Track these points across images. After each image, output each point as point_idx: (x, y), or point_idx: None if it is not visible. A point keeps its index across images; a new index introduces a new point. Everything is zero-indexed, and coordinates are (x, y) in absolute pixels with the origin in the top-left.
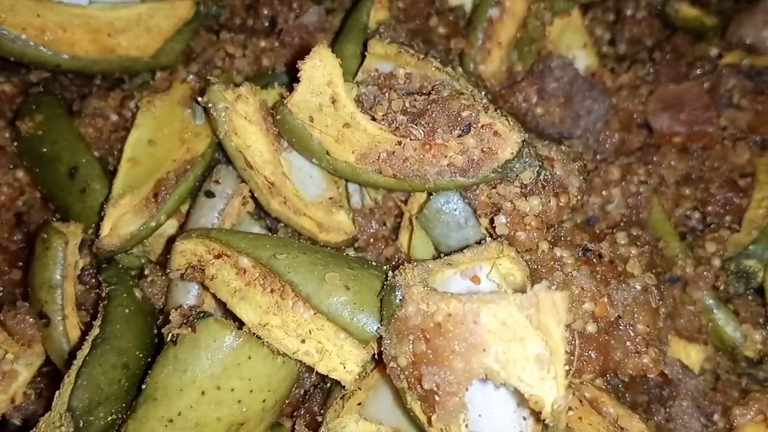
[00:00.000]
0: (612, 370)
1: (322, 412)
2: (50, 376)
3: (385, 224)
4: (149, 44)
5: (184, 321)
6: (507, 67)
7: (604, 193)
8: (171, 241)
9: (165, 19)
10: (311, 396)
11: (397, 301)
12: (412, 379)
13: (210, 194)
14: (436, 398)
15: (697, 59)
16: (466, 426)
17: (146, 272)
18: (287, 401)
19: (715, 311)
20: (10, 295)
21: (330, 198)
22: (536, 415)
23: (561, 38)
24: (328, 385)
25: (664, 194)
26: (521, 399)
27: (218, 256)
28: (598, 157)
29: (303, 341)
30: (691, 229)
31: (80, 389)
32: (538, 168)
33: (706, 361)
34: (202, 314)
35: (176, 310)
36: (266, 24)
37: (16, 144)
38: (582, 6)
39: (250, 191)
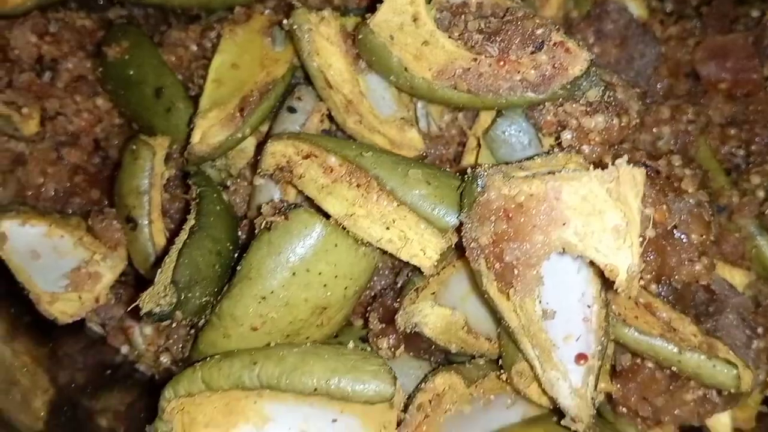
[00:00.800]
0: (667, 276)
1: (396, 303)
2: (128, 284)
3: (449, 149)
4: None
5: (277, 211)
6: (564, 14)
7: (654, 130)
8: (260, 146)
9: None
10: (383, 294)
11: (479, 188)
12: (492, 258)
13: (292, 110)
14: (515, 272)
15: (740, 17)
16: (540, 302)
17: (228, 183)
18: (360, 300)
19: (758, 238)
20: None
21: (402, 118)
22: (600, 301)
23: None
24: (399, 285)
25: (710, 134)
26: (588, 284)
27: (306, 157)
28: (648, 100)
29: (387, 228)
30: (736, 165)
31: (182, 266)
32: (603, 87)
33: (748, 287)
34: (293, 205)
35: (267, 203)
36: None
37: (100, 70)
38: None
39: (328, 110)
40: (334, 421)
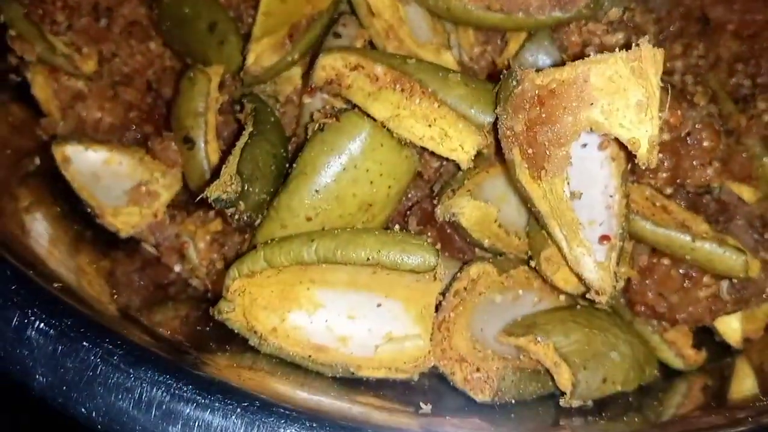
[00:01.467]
0: (681, 178)
1: (433, 207)
2: (181, 207)
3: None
4: None
5: (329, 114)
6: None
7: (668, 65)
8: (306, 75)
9: None
10: (421, 202)
11: (515, 82)
12: (525, 144)
13: (337, 35)
14: (546, 153)
15: None
16: (568, 183)
17: (277, 108)
18: (398, 208)
19: (765, 158)
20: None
21: (438, 42)
22: (621, 192)
23: None
24: (435, 193)
25: (719, 67)
26: (610, 178)
27: (354, 68)
28: (660, 37)
29: (429, 126)
30: (743, 96)
31: (245, 161)
32: (624, 8)
33: (756, 204)
34: (344, 109)
35: (319, 110)
36: None
37: (156, 12)
38: None
39: (369, 37)
40: (379, 305)
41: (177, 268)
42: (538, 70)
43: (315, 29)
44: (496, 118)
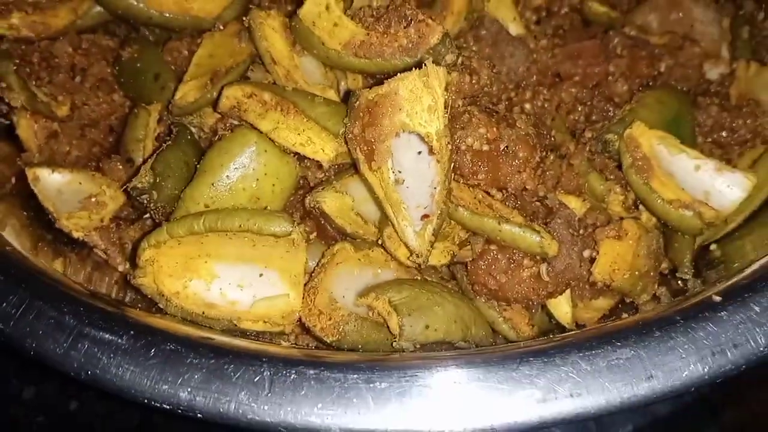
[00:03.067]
0: (503, 184)
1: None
2: (126, 219)
3: None
4: (213, 10)
5: (227, 128)
6: (459, 29)
7: (519, 107)
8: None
9: None
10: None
11: (354, 98)
12: (362, 143)
13: (247, 78)
14: (374, 147)
15: (595, 32)
16: (392, 171)
17: (201, 135)
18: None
19: (589, 174)
20: None
21: (324, 84)
22: (442, 185)
23: (496, 11)
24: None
25: (562, 108)
26: (435, 175)
27: (249, 96)
28: (521, 86)
29: (299, 134)
30: (580, 129)
31: (159, 162)
32: (457, 53)
33: (584, 213)
34: (238, 124)
35: (221, 125)
36: None
37: (117, 68)
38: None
39: (273, 80)
40: (261, 275)
41: (120, 268)
42: (370, 88)
43: (231, 74)
44: None
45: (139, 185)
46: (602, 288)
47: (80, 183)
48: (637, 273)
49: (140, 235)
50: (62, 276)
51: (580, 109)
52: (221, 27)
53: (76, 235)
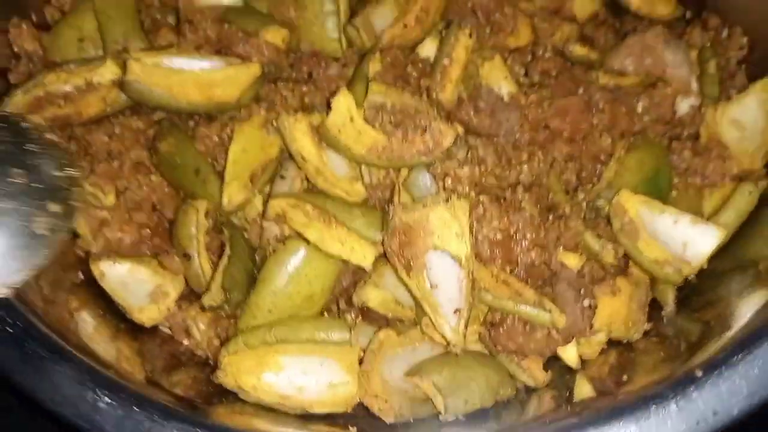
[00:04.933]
0: (515, 262)
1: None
2: (186, 298)
3: (385, 193)
4: (234, 93)
5: (278, 241)
6: (456, 96)
7: (518, 167)
8: (265, 202)
9: (244, 77)
10: (347, 288)
11: (390, 217)
12: (400, 256)
13: (282, 177)
14: (411, 263)
15: (583, 82)
16: (428, 280)
17: (246, 227)
18: (333, 292)
19: (585, 233)
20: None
21: (351, 176)
22: (468, 281)
23: (490, 74)
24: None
25: (555, 167)
26: (461, 272)
27: (293, 207)
28: (517, 147)
29: (342, 245)
30: (573, 188)
31: (227, 278)
32: (467, 150)
33: (580, 267)
34: (288, 236)
35: (272, 238)
36: (305, 76)
37: (155, 159)
38: (504, 53)
39: (305, 175)
40: (321, 364)
41: (185, 342)
42: (405, 209)
43: (267, 173)
44: None
45: (214, 304)
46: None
47: (140, 272)
48: (630, 322)
49: (196, 312)
50: (145, 384)
51: (570, 166)
52: (246, 114)
53: (148, 325)
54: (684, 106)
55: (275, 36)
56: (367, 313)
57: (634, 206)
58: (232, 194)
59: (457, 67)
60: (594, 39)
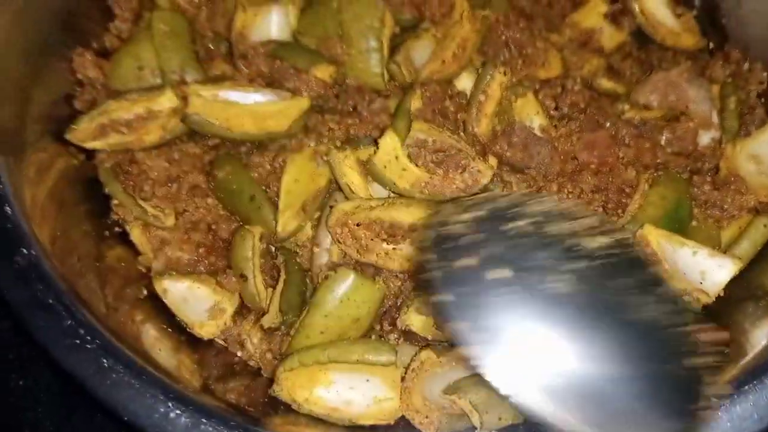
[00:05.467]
0: None
1: (396, 314)
2: (240, 314)
3: None
4: (284, 123)
5: (329, 268)
6: (491, 129)
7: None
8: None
9: (294, 109)
10: (389, 310)
11: None
12: None
13: (331, 207)
14: None
15: (610, 116)
16: None
17: (297, 251)
18: (377, 314)
19: None
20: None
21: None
22: None
23: (522, 109)
24: (398, 304)
25: (582, 197)
26: None
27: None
28: (548, 179)
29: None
30: None
31: (283, 301)
32: (502, 186)
33: None
34: (338, 264)
35: (324, 264)
36: (350, 108)
37: (212, 185)
38: (535, 85)
39: None
40: (367, 380)
41: (239, 354)
42: None
43: (317, 202)
44: None
45: (273, 326)
46: None
47: (199, 288)
48: None
49: (250, 327)
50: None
51: (596, 197)
52: (296, 146)
53: (206, 338)
54: (705, 139)
55: (324, 72)
56: (408, 334)
57: (656, 239)
58: (286, 223)
59: (491, 103)
60: (620, 71)
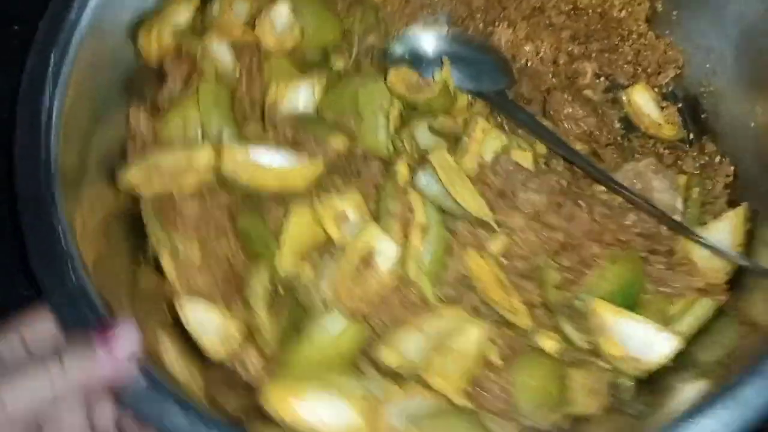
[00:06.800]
0: None
1: None
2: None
3: None
4: (302, 184)
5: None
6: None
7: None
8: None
9: (310, 172)
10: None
11: None
12: None
13: (331, 254)
14: None
15: (587, 195)
16: None
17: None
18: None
19: (561, 319)
20: None
21: None
22: None
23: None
24: None
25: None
26: None
27: None
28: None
29: None
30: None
31: (282, 332)
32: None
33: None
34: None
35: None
36: (355, 171)
37: (234, 229)
38: None
39: None
40: (339, 406)
41: (242, 375)
42: None
43: (318, 250)
44: None
45: (269, 351)
46: None
47: (217, 319)
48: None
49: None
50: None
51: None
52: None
53: (217, 360)
54: None
55: (338, 142)
56: (380, 366)
57: (607, 312)
58: (284, 263)
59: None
60: (602, 156)
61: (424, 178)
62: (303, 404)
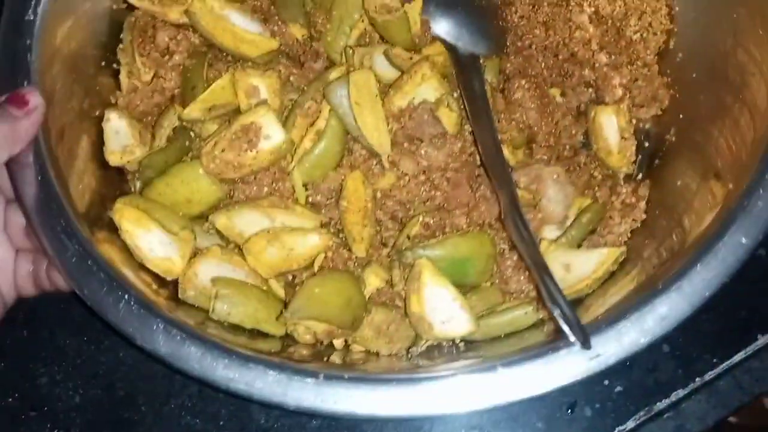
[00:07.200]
0: None
1: None
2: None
3: None
4: (253, 52)
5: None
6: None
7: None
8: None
9: (264, 45)
10: None
11: None
12: None
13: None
14: None
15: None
16: None
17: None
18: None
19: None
20: None
21: None
22: None
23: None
24: None
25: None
26: None
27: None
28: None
29: None
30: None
31: (152, 157)
32: None
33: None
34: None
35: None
36: (301, 63)
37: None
38: None
39: None
40: (165, 241)
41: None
42: None
43: (224, 111)
44: None
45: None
46: None
47: (130, 133)
48: None
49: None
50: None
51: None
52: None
53: (112, 164)
54: (546, 232)
55: (297, 31)
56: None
57: (428, 273)
58: (193, 110)
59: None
60: (534, 151)
61: (338, 90)
62: (141, 230)
